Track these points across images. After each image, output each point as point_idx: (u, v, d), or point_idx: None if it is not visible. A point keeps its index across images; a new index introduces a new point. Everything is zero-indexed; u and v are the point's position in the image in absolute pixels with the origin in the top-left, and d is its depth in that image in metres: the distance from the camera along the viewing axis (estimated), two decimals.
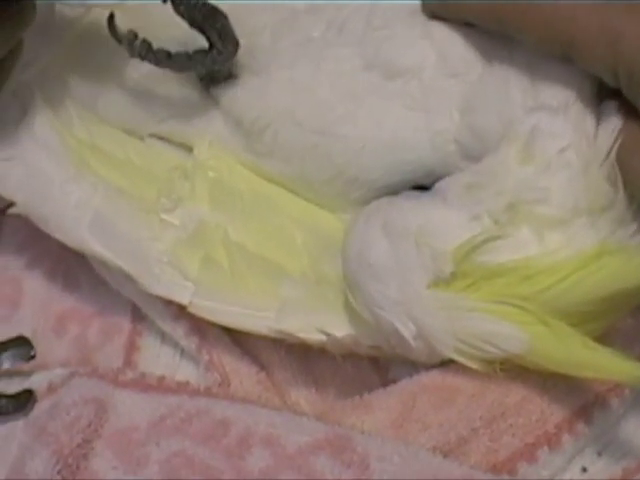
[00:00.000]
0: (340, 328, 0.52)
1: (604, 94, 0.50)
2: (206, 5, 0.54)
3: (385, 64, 0.54)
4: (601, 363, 0.46)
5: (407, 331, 0.49)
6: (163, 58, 0.54)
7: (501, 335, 0.47)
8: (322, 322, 0.52)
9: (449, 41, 0.53)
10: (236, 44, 0.55)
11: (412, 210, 0.50)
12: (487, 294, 0.48)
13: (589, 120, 0.50)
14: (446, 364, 0.50)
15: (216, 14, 0.54)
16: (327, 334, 0.52)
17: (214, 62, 0.55)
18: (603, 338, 0.48)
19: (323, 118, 0.55)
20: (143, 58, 0.54)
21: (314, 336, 0.52)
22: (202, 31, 0.55)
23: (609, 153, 0.49)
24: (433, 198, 0.51)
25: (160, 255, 0.55)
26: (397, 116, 0.54)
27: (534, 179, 0.49)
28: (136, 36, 0.54)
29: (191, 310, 0.54)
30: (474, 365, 0.49)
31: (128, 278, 0.55)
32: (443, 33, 0.53)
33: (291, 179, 0.57)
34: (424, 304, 0.49)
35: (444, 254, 0.48)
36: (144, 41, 0.54)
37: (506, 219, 0.48)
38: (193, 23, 0.54)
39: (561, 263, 0.47)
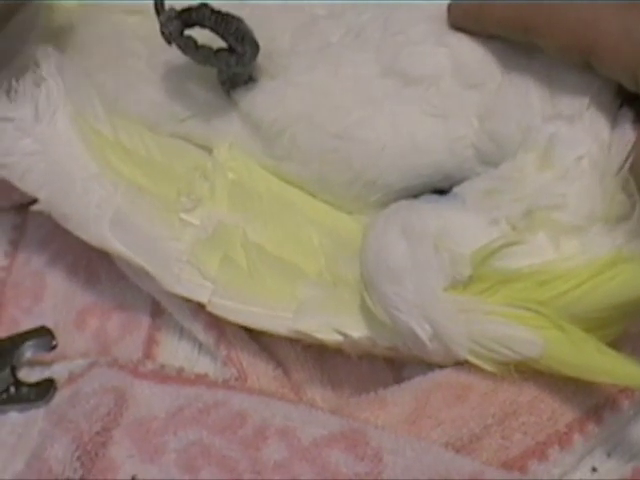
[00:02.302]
0: (357, 329, 0.53)
1: (621, 102, 0.51)
2: (215, 13, 0.55)
3: (402, 71, 0.55)
4: (614, 368, 0.47)
5: (423, 332, 0.50)
6: (191, 46, 0.55)
7: (516, 339, 0.48)
8: (339, 323, 0.53)
9: (467, 50, 0.54)
10: (256, 46, 0.55)
11: (431, 213, 0.51)
12: (503, 298, 0.49)
13: (604, 129, 0.50)
14: (460, 362, 0.50)
15: (228, 19, 0.55)
16: (344, 335, 0.52)
17: (237, 63, 0.56)
18: (616, 343, 0.48)
19: (341, 122, 0.56)
20: (172, 39, 0.55)
21: (331, 337, 0.53)
22: (221, 37, 0.56)
23: (624, 163, 0.49)
24: (452, 202, 0.52)
25: (180, 254, 0.55)
26: (415, 121, 0.55)
27: (551, 186, 0.50)
28: (175, 16, 0.54)
29: (210, 309, 0.54)
30: (489, 367, 0.49)
31: (148, 275, 0.56)
32: (461, 41, 0.54)
33: (309, 181, 0.58)
34: (441, 306, 0.49)
35: (462, 258, 0.49)
36: (180, 22, 0.54)
37: (523, 225, 0.49)
38: (210, 30, 0.55)
39: (576, 270, 0.48)
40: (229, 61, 0.55)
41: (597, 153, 0.50)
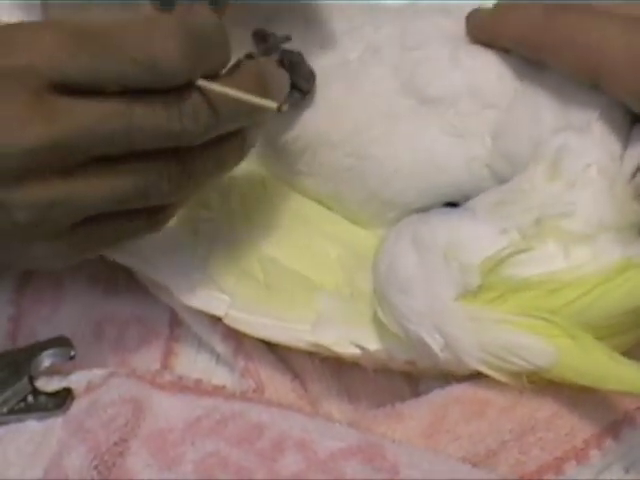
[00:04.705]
0: (374, 342, 0.53)
1: (636, 118, 0.51)
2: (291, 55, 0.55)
3: (419, 90, 0.55)
4: (626, 376, 0.47)
5: (434, 343, 0.50)
6: None
7: (527, 348, 0.48)
8: (356, 336, 0.53)
9: (481, 70, 0.54)
10: (314, 77, 0.56)
11: (441, 225, 0.52)
12: (514, 307, 0.49)
13: (616, 139, 0.51)
14: (478, 377, 0.51)
15: (302, 64, 0.55)
16: (361, 348, 0.53)
17: (300, 99, 0.56)
18: (630, 352, 0.48)
19: (358, 140, 0.56)
20: None
21: (348, 350, 0.53)
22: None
23: (635, 172, 0.50)
24: (462, 214, 0.53)
25: (196, 268, 0.56)
26: (432, 140, 0.55)
27: (560, 195, 0.50)
28: None
29: (227, 322, 0.55)
30: (501, 377, 0.49)
31: (165, 288, 0.56)
32: (475, 61, 0.55)
33: (326, 197, 0.58)
34: (451, 316, 0.50)
35: (472, 267, 0.49)
36: None
37: (533, 234, 0.49)
38: None
39: (586, 277, 0.48)
40: (294, 102, 0.56)
41: (606, 162, 0.50)
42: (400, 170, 0.56)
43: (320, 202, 0.59)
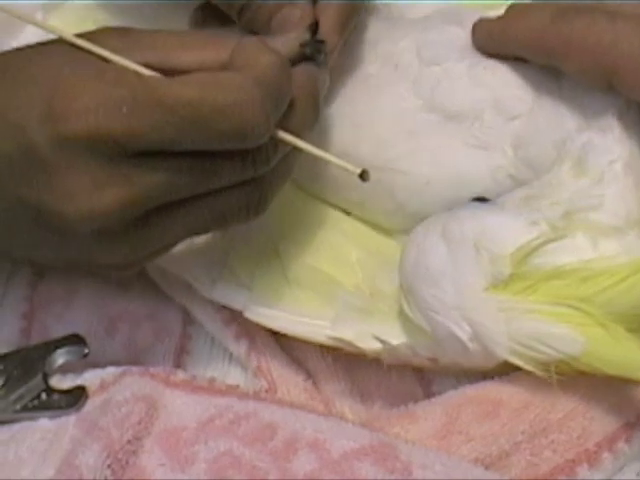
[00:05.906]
0: (396, 337, 0.53)
1: None
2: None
3: (441, 108, 0.55)
4: None
5: (463, 333, 0.50)
6: None
7: (557, 336, 0.48)
8: (377, 331, 0.53)
9: (501, 83, 0.55)
10: None
11: (471, 218, 0.52)
12: (544, 296, 0.49)
13: (637, 138, 0.51)
14: (491, 378, 0.51)
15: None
16: (383, 342, 0.53)
17: None
18: None
19: (384, 155, 0.56)
20: None
21: (370, 344, 0.53)
22: None
23: None
24: (491, 208, 0.53)
25: (216, 261, 0.56)
26: (458, 153, 0.55)
27: (588, 189, 0.51)
28: None
29: (246, 316, 0.55)
30: (529, 367, 0.49)
31: (183, 282, 0.56)
32: (494, 74, 0.55)
33: (350, 206, 0.59)
34: (481, 307, 0.50)
35: (502, 257, 0.49)
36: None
37: (562, 226, 0.50)
38: None
39: (618, 266, 0.48)
40: None
41: (629, 158, 0.51)
42: (427, 184, 0.56)
43: (343, 210, 0.59)
